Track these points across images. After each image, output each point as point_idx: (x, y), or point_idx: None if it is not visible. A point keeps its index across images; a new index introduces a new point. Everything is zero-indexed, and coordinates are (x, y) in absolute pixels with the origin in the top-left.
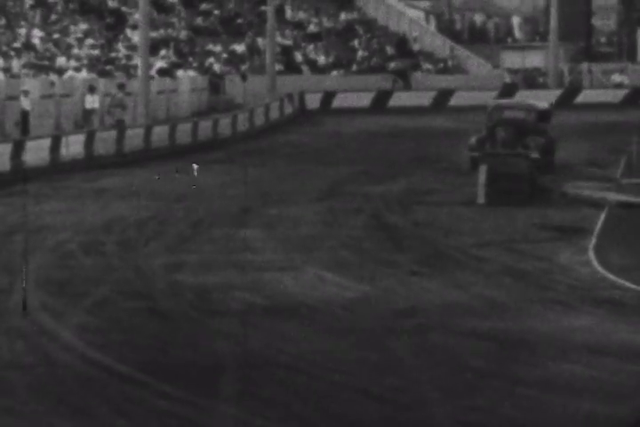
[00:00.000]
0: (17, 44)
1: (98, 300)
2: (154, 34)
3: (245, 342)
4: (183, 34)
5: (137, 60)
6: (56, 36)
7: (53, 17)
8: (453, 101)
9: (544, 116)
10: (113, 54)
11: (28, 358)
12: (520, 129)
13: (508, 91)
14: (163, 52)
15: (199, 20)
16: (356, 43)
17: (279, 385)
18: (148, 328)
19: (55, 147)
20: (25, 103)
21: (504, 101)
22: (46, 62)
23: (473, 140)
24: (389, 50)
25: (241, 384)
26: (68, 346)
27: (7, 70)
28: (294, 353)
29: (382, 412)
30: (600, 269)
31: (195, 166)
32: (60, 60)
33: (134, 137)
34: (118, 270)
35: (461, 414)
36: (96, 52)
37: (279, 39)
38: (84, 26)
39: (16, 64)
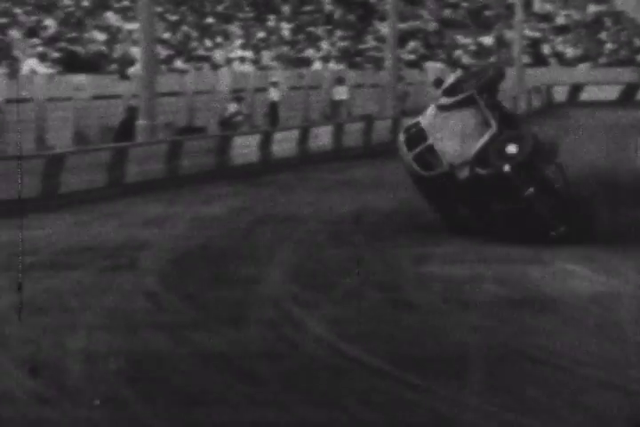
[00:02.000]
0: (266, 36)
1: (347, 291)
2: (402, 25)
3: (493, 335)
4: (432, 26)
5: (385, 52)
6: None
7: (306, 8)
8: None
9: None
10: (362, 46)
11: (279, 348)
12: None
13: None
14: (411, 44)
15: (447, 12)
16: (604, 35)
17: (527, 378)
18: (397, 320)
19: (303, 138)
20: (274, 95)
21: None
22: (295, 54)
23: None
24: (638, 42)
25: (488, 377)
26: (317, 337)
27: (256, 62)
28: (542, 346)
29: (633, 406)
30: None
31: None
32: (309, 52)
33: (382, 129)
34: (367, 262)
35: None
36: (345, 43)
37: (527, 31)
38: (336, 16)
39: (266, 56)
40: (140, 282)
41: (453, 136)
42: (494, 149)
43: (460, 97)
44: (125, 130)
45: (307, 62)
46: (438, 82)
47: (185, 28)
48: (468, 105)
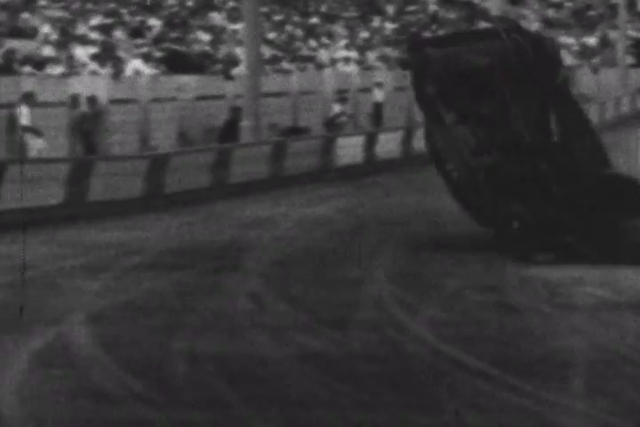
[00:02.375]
0: (370, 36)
1: (449, 293)
2: None
3: (596, 338)
4: (535, 26)
5: None
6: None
7: (411, 8)
8: None
9: None
10: None
11: (381, 350)
12: None
13: None
14: None
15: (551, 12)
16: None
17: (628, 381)
18: (499, 322)
19: (407, 139)
20: (378, 95)
21: None
22: (399, 54)
23: None
24: None
25: (592, 381)
26: (419, 339)
27: (361, 62)
28: None
29: None
30: None
31: None
32: None
33: None
34: (469, 264)
35: None
36: None
37: (631, 32)
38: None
39: (370, 56)
40: (243, 283)
41: None
42: None
43: None
44: (230, 131)
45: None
46: None
47: (290, 27)
48: None
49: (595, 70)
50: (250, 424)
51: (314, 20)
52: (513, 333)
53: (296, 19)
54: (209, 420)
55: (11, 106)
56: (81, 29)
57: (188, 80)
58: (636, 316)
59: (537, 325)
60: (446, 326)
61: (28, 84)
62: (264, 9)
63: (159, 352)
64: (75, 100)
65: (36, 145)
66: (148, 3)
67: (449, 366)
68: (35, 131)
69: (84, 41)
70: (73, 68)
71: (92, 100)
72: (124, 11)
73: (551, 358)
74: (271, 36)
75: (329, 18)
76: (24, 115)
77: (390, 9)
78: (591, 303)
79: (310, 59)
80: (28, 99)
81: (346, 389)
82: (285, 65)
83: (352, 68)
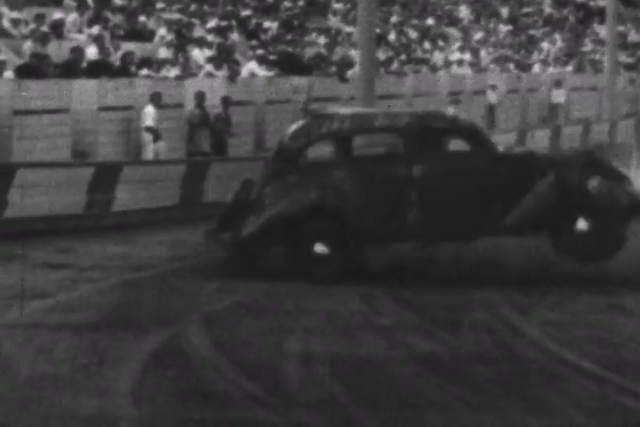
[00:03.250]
0: (484, 37)
1: (561, 295)
2: (620, 28)
3: None
4: None
5: (604, 55)
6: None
7: (525, 10)
8: None
9: None
10: (581, 48)
11: (493, 352)
12: None
13: None
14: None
15: None
16: None
17: None
18: (611, 324)
19: (521, 141)
20: (491, 97)
21: None
22: (514, 56)
23: None
24: None
25: None
26: (532, 341)
27: (475, 64)
28: None
29: None
30: None
31: None
32: (526, 55)
33: (599, 132)
34: (581, 265)
35: None
36: (561, 45)
37: None
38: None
39: (484, 57)
40: (355, 285)
41: None
42: None
43: None
44: None
45: (526, 66)
46: None
47: (405, 29)
48: None
49: None
50: (362, 425)
51: (429, 21)
52: (625, 335)
53: (412, 21)
54: (322, 421)
55: (127, 108)
56: (198, 32)
57: (303, 82)
58: None
59: None
60: (558, 327)
61: (144, 87)
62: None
63: (273, 353)
64: (200, 97)
65: (156, 147)
66: (266, 4)
67: (561, 368)
68: (156, 132)
69: (200, 43)
70: (189, 70)
71: (226, 100)
72: (243, 13)
73: None
74: (391, 37)
75: (444, 20)
76: (149, 115)
77: (505, 11)
78: None
79: (425, 61)
80: (155, 99)
81: (457, 390)
82: (399, 67)
83: (466, 70)
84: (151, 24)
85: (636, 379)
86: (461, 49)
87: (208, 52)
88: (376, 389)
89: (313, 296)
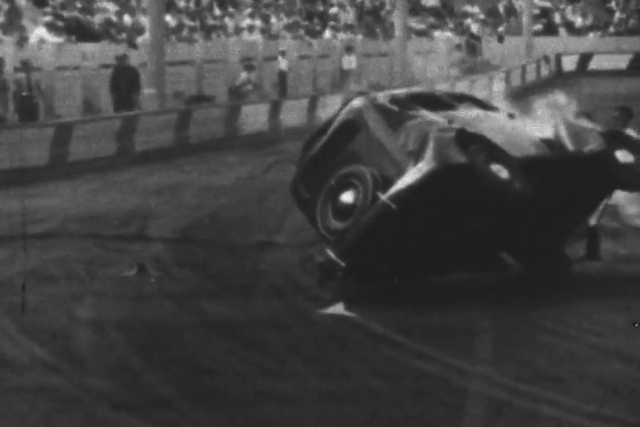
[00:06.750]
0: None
1: None
2: None
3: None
4: None
5: (395, 21)
6: None
7: None
8: None
9: None
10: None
11: (287, 317)
12: None
13: None
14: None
15: None
16: (613, 4)
17: (536, 348)
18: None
19: (312, 107)
20: (282, 64)
21: None
22: (305, 23)
23: None
24: None
25: (497, 347)
26: (317, 306)
27: (265, 31)
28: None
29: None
30: None
31: None
32: (318, 22)
33: None
34: None
35: None
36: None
37: (537, 1)
38: None
39: (275, 25)
40: (147, 250)
41: None
42: None
43: None
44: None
45: (314, 32)
46: None
47: None
48: None
49: (500, 39)
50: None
51: None
52: (419, 300)
53: None
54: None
55: None
56: None
57: (92, 48)
58: None
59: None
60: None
61: None
62: None
63: (64, 320)
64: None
65: None
66: None
67: (353, 332)
68: None
69: None
70: None
71: (26, 64)
72: None
73: (457, 325)
74: (182, 4)
75: None
76: None
77: None
78: None
79: (217, 27)
80: None
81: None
82: (190, 34)
83: (257, 37)
84: None
85: (427, 342)
86: (252, 15)
87: None
88: (170, 355)
89: (102, 262)
